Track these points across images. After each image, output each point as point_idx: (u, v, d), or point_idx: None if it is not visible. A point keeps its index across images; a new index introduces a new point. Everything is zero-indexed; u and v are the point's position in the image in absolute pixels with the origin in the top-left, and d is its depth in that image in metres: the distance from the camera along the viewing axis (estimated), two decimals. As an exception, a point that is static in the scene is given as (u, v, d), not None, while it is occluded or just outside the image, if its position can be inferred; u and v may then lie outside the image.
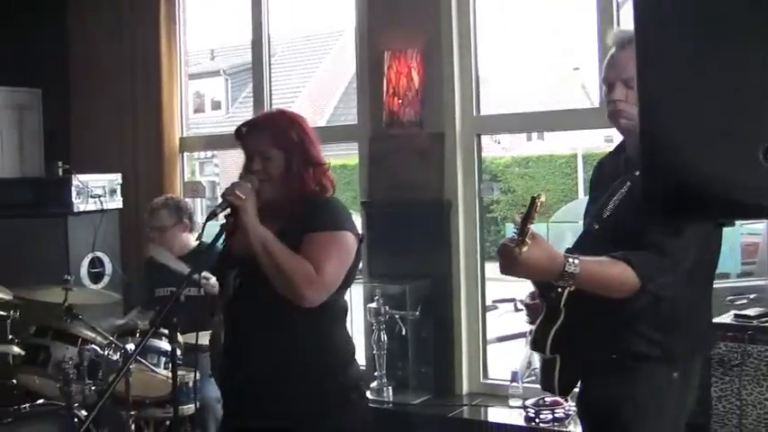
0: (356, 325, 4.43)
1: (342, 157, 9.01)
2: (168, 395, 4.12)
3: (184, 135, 6.09)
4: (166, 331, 3.78)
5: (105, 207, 5.51)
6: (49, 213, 5.44)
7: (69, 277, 4.51)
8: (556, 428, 4.20)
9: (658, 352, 2.69)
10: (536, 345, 2.82)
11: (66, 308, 4.32)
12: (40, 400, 4.49)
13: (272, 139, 2.99)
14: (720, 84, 1.52)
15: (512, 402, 4.54)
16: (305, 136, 3.04)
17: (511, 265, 2.53)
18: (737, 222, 1.65)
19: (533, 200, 2.49)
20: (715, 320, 3.67)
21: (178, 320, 3.15)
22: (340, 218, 2.99)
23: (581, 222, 3.01)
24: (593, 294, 2.60)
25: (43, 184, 5.62)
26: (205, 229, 3.07)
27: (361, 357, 3.29)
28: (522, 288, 3.00)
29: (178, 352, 3.44)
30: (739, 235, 7.35)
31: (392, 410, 4.64)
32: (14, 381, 4.44)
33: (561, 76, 14.61)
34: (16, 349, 4.37)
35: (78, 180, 5.37)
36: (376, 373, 4.75)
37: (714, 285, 2.87)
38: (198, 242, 4.73)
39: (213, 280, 3.65)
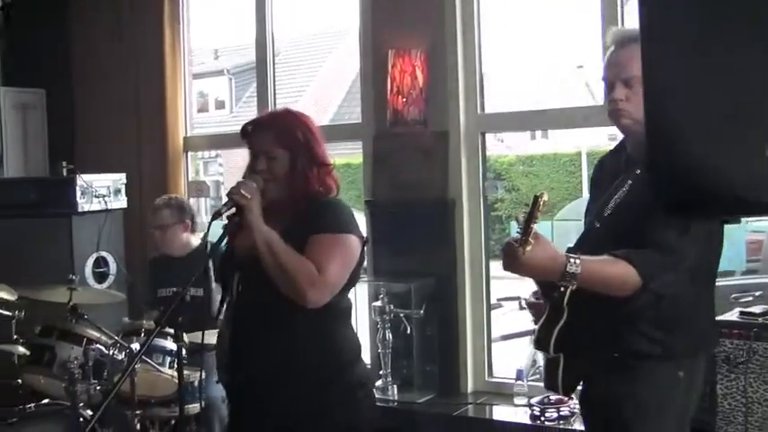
0: (361, 323, 4.43)
1: (346, 156, 9.01)
2: (173, 395, 4.12)
3: (188, 135, 6.09)
4: (171, 331, 3.78)
5: (110, 207, 5.51)
6: (53, 213, 5.44)
7: (74, 277, 4.53)
8: (561, 427, 4.20)
9: (659, 350, 2.69)
10: (539, 344, 2.82)
11: (70, 307, 4.33)
12: (46, 400, 4.50)
13: (278, 138, 2.99)
14: (727, 81, 1.52)
15: (517, 401, 4.54)
16: (310, 135, 3.03)
17: (514, 265, 2.55)
18: (743, 220, 1.65)
19: (536, 199, 2.50)
20: (720, 318, 3.67)
21: (182, 320, 3.15)
22: (344, 220, 2.99)
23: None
24: (596, 293, 2.61)
25: (48, 184, 5.63)
26: (210, 228, 3.07)
27: (365, 356, 3.28)
28: (527, 286, 3.00)
29: (183, 351, 3.44)
30: (744, 233, 7.35)
31: (397, 409, 4.64)
32: (19, 381, 4.45)
33: (565, 74, 14.60)
34: (21, 349, 4.37)
35: (82, 180, 5.38)
36: (381, 372, 4.75)
37: (719, 283, 2.87)
38: (202, 242, 4.74)
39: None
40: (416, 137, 4.86)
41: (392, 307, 4.73)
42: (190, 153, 6.17)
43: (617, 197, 2.75)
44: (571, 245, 2.87)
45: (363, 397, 3.05)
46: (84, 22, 6.22)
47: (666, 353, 2.69)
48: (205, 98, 19.27)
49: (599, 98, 2.74)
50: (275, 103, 5.76)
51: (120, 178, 5.67)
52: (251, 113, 6.74)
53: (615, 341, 2.72)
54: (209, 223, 3.03)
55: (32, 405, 4.40)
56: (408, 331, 4.75)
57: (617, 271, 2.60)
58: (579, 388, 2.93)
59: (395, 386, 4.74)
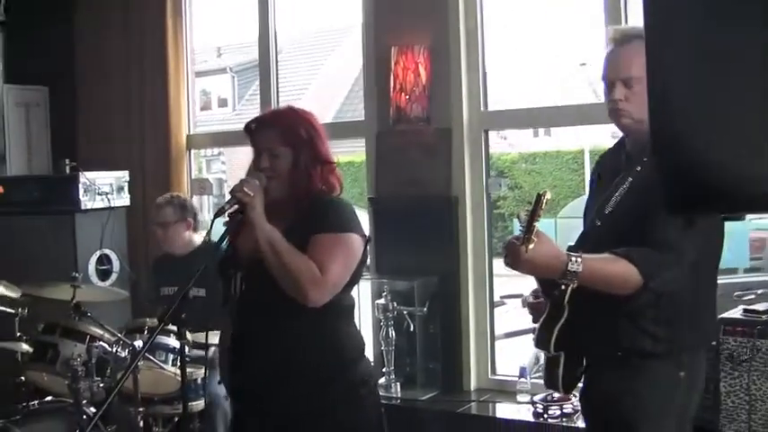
0: (364, 321, 4.43)
1: (348, 154, 9.01)
2: (176, 392, 4.13)
3: (191, 132, 6.09)
4: (174, 328, 3.78)
5: (113, 204, 5.51)
6: (56, 211, 5.44)
7: (77, 274, 4.53)
8: (564, 424, 4.20)
9: (662, 348, 2.69)
10: (540, 343, 2.82)
11: (74, 305, 4.33)
12: (49, 398, 4.51)
13: (281, 135, 2.98)
14: (730, 79, 1.52)
15: (520, 398, 4.53)
16: (314, 133, 3.03)
17: (516, 262, 2.56)
18: (747, 217, 1.65)
19: (539, 197, 2.50)
20: (724, 316, 3.67)
21: (186, 319, 3.15)
22: (346, 219, 2.98)
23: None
24: (597, 291, 2.61)
25: (50, 181, 5.63)
26: (213, 225, 3.07)
27: (369, 353, 3.28)
28: (530, 284, 3.00)
29: (186, 349, 3.44)
30: (747, 230, 7.34)
31: (400, 406, 4.63)
32: (23, 378, 4.46)
33: (568, 71, 14.58)
34: (24, 346, 4.38)
35: (86, 178, 5.38)
36: (384, 369, 4.75)
37: (722, 281, 2.87)
38: (205, 240, 4.74)
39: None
40: (419, 134, 4.86)
41: (395, 304, 4.73)
42: (193, 151, 6.18)
43: (617, 195, 2.75)
44: (572, 243, 2.87)
45: (366, 395, 3.04)
46: (87, 19, 6.22)
47: (669, 350, 2.69)
48: (208, 96, 19.29)
49: (602, 96, 2.74)
50: (278, 101, 5.76)
51: (123, 176, 5.67)
52: (254, 111, 6.73)
53: (617, 339, 2.73)
54: (212, 221, 3.02)
55: (36, 402, 4.41)
56: (411, 329, 4.75)
57: (618, 269, 2.60)
58: (580, 385, 2.93)
59: (398, 384, 4.74)
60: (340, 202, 3.06)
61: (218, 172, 17.37)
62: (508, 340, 6.47)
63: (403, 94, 4.86)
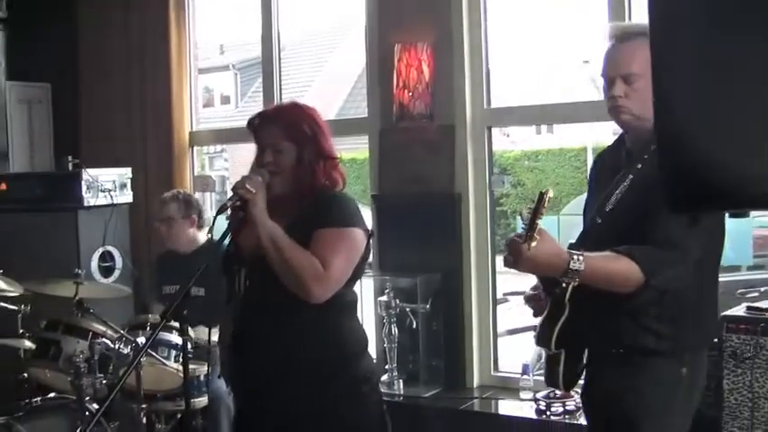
0: (367, 318, 4.43)
1: (351, 152, 9.00)
2: (179, 388, 4.13)
3: (194, 129, 6.09)
4: (177, 324, 3.78)
5: (115, 201, 5.51)
6: (59, 208, 5.45)
7: (80, 271, 4.53)
8: (566, 421, 4.20)
9: (666, 346, 2.68)
10: (541, 340, 2.82)
11: (76, 302, 4.34)
12: (51, 394, 4.51)
13: (285, 131, 2.98)
14: (735, 77, 1.52)
15: (522, 395, 4.53)
16: (317, 129, 3.03)
17: (518, 261, 2.56)
18: (751, 214, 1.65)
19: (542, 195, 2.50)
20: (727, 313, 3.67)
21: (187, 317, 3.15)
22: (349, 214, 2.98)
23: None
24: (598, 289, 2.61)
25: (53, 178, 5.64)
26: (215, 222, 3.08)
27: (371, 350, 3.27)
28: (533, 282, 2.99)
29: (189, 345, 3.44)
30: (751, 227, 7.32)
31: (403, 403, 4.63)
32: (25, 375, 4.46)
33: (571, 69, 14.57)
34: (27, 343, 4.38)
35: (88, 174, 5.38)
36: (387, 366, 4.75)
37: (725, 278, 2.87)
38: (209, 239, 4.74)
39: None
40: (422, 131, 4.85)
41: (398, 302, 4.74)
42: (195, 148, 6.18)
43: (618, 192, 2.74)
44: (572, 241, 2.87)
45: (369, 392, 3.04)
46: (89, 16, 6.22)
47: (673, 348, 2.69)
48: (210, 93, 19.27)
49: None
50: (281, 99, 5.76)
51: (125, 173, 5.67)
52: (256, 109, 6.71)
53: (619, 337, 2.72)
54: (214, 218, 3.02)
55: (38, 399, 4.41)
56: (414, 326, 4.75)
57: (619, 267, 2.59)
58: (581, 382, 2.93)
59: (401, 381, 4.74)
60: (343, 196, 3.06)
61: (220, 169, 17.36)
62: (511, 337, 6.47)
63: (406, 91, 4.86)
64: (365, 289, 4.03)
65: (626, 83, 2.71)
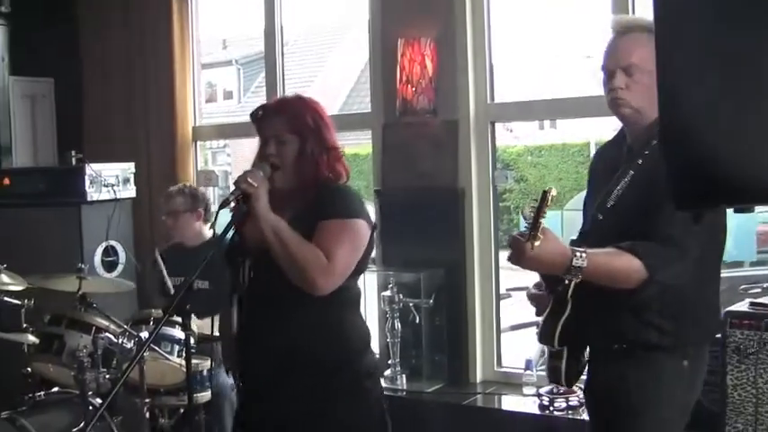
0: (370, 313, 4.43)
1: (354, 147, 8.99)
2: (182, 383, 4.13)
3: (197, 124, 6.09)
4: (180, 319, 3.78)
5: (118, 196, 5.52)
6: (62, 203, 5.46)
7: (83, 266, 4.52)
8: (570, 416, 4.20)
9: (668, 341, 2.68)
10: (543, 337, 2.82)
11: (80, 296, 4.33)
12: (55, 389, 4.51)
13: (288, 123, 2.98)
14: (740, 71, 1.52)
15: (525, 390, 4.53)
16: (321, 121, 3.02)
17: (521, 260, 2.56)
18: (756, 209, 1.65)
19: (545, 194, 2.50)
20: (731, 309, 3.67)
21: (190, 310, 3.14)
22: (353, 205, 2.97)
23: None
24: (601, 286, 2.60)
25: (56, 173, 5.64)
26: (218, 217, 3.07)
27: (374, 345, 3.27)
28: (536, 277, 2.99)
29: (192, 340, 3.44)
30: (755, 223, 7.31)
31: (406, 398, 4.64)
32: (29, 369, 4.45)
33: (574, 64, 14.55)
34: (31, 338, 4.38)
35: (91, 169, 5.38)
36: (390, 361, 4.75)
37: (729, 274, 2.87)
38: (214, 233, 4.74)
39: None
40: (426, 126, 4.85)
41: (401, 297, 4.74)
42: (198, 142, 6.18)
43: (619, 188, 2.74)
44: (574, 237, 2.87)
45: (371, 388, 3.03)
46: (92, 11, 6.22)
47: (675, 343, 2.69)
48: (213, 88, 19.26)
49: (609, 88, 2.75)
50: (284, 94, 5.75)
51: (128, 167, 5.68)
52: (259, 104, 6.74)
53: (621, 332, 2.72)
54: (217, 212, 3.02)
55: (42, 393, 4.41)
56: (417, 321, 4.75)
57: (622, 263, 2.59)
58: (583, 378, 2.93)
59: (404, 376, 4.74)
60: (347, 189, 3.06)
61: (223, 164, 17.35)
62: (514, 332, 6.48)
63: (409, 86, 4.85)
64: (368, 284, 4.03)
65: (626, 74, 2.71)
